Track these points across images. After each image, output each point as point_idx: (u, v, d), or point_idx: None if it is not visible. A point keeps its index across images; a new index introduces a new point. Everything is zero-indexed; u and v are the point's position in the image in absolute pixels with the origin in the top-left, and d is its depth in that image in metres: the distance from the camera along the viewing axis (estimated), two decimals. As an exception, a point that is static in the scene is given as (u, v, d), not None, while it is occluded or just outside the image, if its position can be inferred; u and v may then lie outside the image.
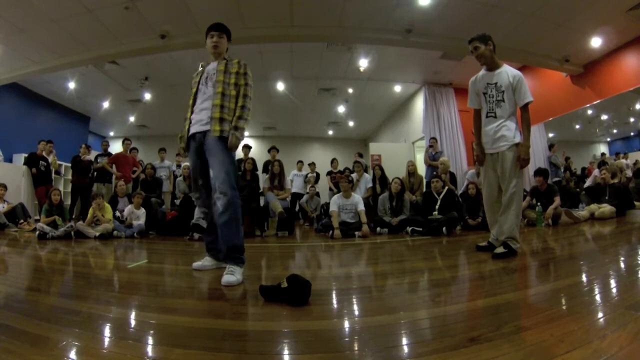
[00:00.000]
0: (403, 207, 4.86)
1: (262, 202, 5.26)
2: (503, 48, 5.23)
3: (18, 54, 5.54)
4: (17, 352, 0.95)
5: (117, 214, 5.00)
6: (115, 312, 1.37)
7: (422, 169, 6.55)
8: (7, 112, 7.16)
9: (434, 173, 5.71)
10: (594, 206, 4.99)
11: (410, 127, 8.83)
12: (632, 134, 8.06)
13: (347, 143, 11.93)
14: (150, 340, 1.08)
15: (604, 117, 7.88)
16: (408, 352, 0.98)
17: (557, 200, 4.62)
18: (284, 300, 1.41)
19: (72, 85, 7.24)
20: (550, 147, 7.43)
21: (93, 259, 3.03)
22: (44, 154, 6.55)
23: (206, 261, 2.26)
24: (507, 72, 2.54)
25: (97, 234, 4.46)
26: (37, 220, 5.28)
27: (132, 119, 9.77)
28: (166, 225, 5.09)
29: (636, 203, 5.32)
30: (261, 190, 5.40)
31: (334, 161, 7.83)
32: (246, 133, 2.28)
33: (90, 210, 4.69)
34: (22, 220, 5.63)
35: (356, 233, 4.32)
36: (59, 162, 7.32)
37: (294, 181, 7.16)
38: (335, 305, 1.48)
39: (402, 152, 8.40)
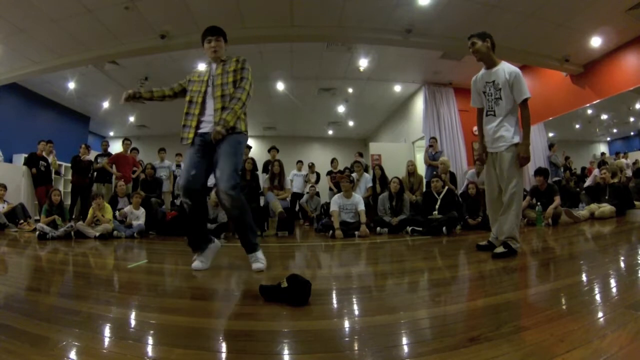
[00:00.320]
0: (403, 206, 4.86)
1: (262, 202, 5.26)
2: (503, 48, 5.22)
3: (18, 54, 5.54)
4: (17, 352, 0.95)
5: (117, 214, 4.99)
6: (115, 312, 1.37)
7: (422, 169, 6.55)
8: (7, 112, 7.16)
9: (434, 173, 5.72)
10: (594, 206, 5.00)
11: (410, 127, 8.84)
12: (632, 133, 8.07)
13: (347, 143, 11.93)
14: (150, 340, 1.08)
15: (604, 116, 7.88)
16: (408, 352, 0.98)
17: (557, 199, 4.62)
18: (284, 300, 1.41)
19: (72, 85, 7.24)
20: (550, 146, 7.44)
21: (93, 259, 3.03)
22: (43, 154, 6.55)
23: (201, 260, 2.22)
24: (504, 69, 2.52)
25: (97, 234, 4.46)
26: (37, 221, 5.29)
27: (132, 119, 9.77)
28: (166, 225, 5.10)
29: (636, 203, 5.32)
30: (261, 190, 5.40)
31: (334, 161, 7.84)
32: None
33: (90, 211, 4.69)
34: (22, 221, 5.63)
35: (356, 233, 4.33)
36: (58, 162, 7.32)
37: (294, 181, 7.16)
38: (335, 305, 1.48)
39: (402, 152, 8.40)
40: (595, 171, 5.85)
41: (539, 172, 4.96)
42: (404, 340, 1.06)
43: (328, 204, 5.38)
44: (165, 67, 6.39)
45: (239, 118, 2.16)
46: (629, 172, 6.63)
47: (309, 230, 5.83)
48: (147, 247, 3.81)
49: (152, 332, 1.15)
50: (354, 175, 5.77)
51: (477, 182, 5.33)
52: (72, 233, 4.58)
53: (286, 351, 0.99)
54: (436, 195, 4.70)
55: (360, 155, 7.67)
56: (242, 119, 2.21)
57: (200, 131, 2.19)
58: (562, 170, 7.26)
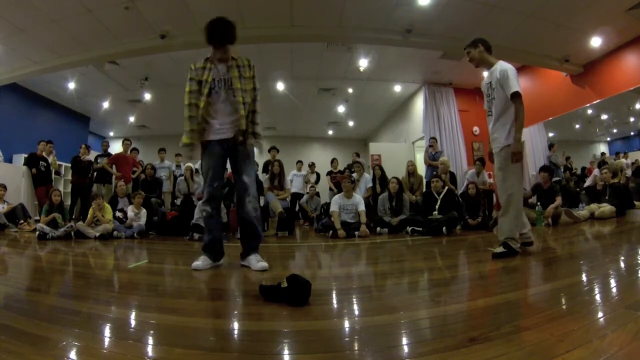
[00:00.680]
0: (403, 207, 4.86)
1: (262, 202, 5.26)
2: (503, 48, 5.24)
3: (18, 54, 5.54)
4: (17, 352, 0.95)
5: (117, 214, 4.99)
6: (115, 312, 1.37)
7: (422, 169, 6.55)
8: (7, 112, 7.16)
9: (434, 173, 5.71)
10: (594, 206, 4.99)
11: (410, 127, 8.83)
12: (632, 133, 8.07)
13: (347, 143, 11.92)
14: (150, 340, 1.08)
15: (604, 116, 7.88)
16: (408, 351, 0.98)
17: (559, 200, 4.61)
18: (284, 300, 1.41)
19: (72, 85, 7.24)
20: (550, 146, 7.43)
21: (93, 259, 3.03)
22: (43, 154, 6.55)
23: (204, 261, 2.23)
24: (498, 68, 2.50)
25: (97, 234, 4.46)
26: (37, 221, 5.28)
27: (132, 119, 9.76)
28: (166, 225, 5.09)
29: (636, 203, 5.31)
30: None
31: (333, 161, 7.84)
32: None
33: (90, 211, 4.69)
34: (22, 221, 5.63)
35: (356, 233, 4.33)
36: (58, 162, 7.31)
37: (294, 181, 7.16)
38: (335, 305, 1.48)
39: (402, 152, 8.40)
40: (595, 171, 5.85)
41: (544, 168, 4.97)
42: (404, 340, 1.06)
43: (328, 204, 5.37)
44: (165, 67, 6.38)
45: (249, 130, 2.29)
46: (629, 172, 6.62)
47: (309, 231, 5.83)
48: (147, 247, 3.81)
49: (152, 332, 1.15)
50: (354, 175, 5.77)
51: (477, 182, 5.33)
52: (72, 233, 4.57)
53: (286, 351, 0.99)
54: (436, 196, 4.70)
55: (357, 155, 7.67)
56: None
57: (218, 137, 2.19)
58: (562, 170, 7.26)
